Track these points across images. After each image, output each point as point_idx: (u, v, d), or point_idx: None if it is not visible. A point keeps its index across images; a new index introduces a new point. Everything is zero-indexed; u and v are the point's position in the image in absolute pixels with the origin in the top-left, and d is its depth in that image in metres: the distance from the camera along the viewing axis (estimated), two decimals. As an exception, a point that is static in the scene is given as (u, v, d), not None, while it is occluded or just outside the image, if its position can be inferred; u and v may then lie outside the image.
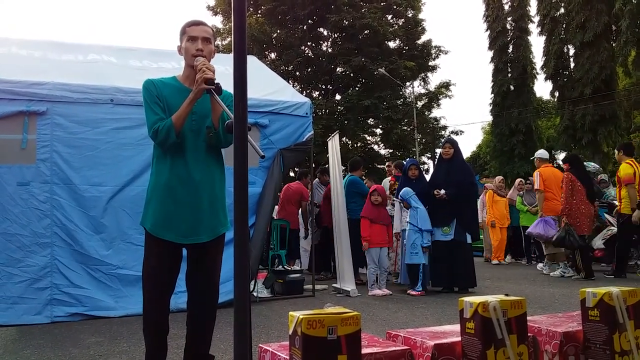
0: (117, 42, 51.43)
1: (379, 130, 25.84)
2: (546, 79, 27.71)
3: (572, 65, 26.71)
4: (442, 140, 7.06)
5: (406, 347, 1.92)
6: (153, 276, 2.58)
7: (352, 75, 24.76)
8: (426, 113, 26.61)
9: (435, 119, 26.97)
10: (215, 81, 2.43)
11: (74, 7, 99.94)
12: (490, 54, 30.47)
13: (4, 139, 4.92)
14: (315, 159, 13.97)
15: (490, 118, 31.48)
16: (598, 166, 10.71)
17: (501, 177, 11.48)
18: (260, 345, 1.95)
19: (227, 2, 24.20)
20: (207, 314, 2.67)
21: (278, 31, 24.19)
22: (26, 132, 4.95)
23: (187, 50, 2.61)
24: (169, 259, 2.60)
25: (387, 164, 8.51)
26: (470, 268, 6.39)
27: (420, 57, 25.38)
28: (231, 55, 1.46)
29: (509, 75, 29.74)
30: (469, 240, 6.39)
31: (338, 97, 25.35)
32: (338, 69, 24.92)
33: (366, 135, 25.86)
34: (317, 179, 8.56)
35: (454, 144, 6.64)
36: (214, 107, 2.53)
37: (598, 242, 8.44)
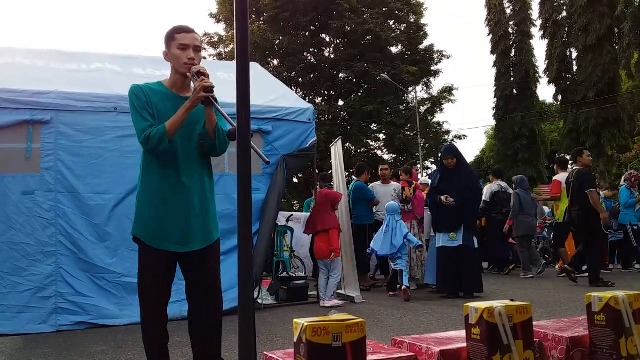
0: (121, 50, 51.68)
1: (382, 136, 25.78)
2: (549, 82, 27.71)
3: (575, 68, 26.71)
4: (442, 150, 7.01)
5: (412, 354, 1.91)
6: (149, 286, 2.56)
7: (354, 80, 24.77)
8: (429, 118, 26.57)
9: (439, 124, 26.91)
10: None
11: (77, 17, 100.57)
12: (493, 58, 30.48)
13: (9, 148, 4.94)
14: (319, 165, 13.99)
15: (493, 122, 31.49)
16: None
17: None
18: (265, 352, 1.94)
19: (229, 10, 24.26)
20: (214, 321, 2.64)
21: (280, 38, 24.22)
22: (30, 141, 4.97)
23: (179, 58, 2.57)
24: (164, 269, 2.58)
25: (380, 167, 8.41)
26: (478, 273, 6.48)
27: (423, 62, 25.36)
28: (234, 62, 1.46)
29: (512, 79, 29.73)
30: (476, 245, 6.48)
31: (341, 102, 25.34)
32: (341, 74, 24.92)
33: (369, 141, 25.79)
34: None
35: (454, 153, 6.60)
36: (209, 117, 2.51)
37: None
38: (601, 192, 9.49)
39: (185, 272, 2.66)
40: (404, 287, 6.28)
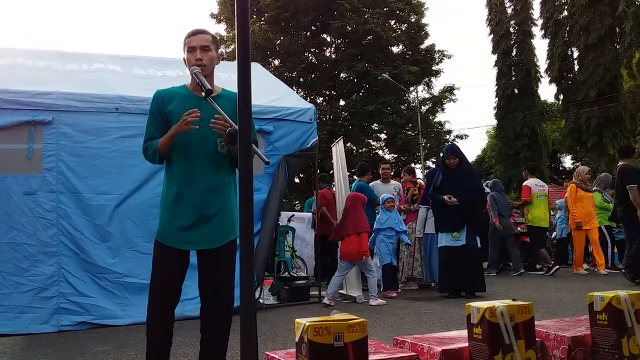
0: (122, 51, 51.71)
1: (383, 136, 25.77)
2: (550, 82, 27.67)
3: (577, 67, 26.67)
4: (444, 150, 7.02)
5: (413, 353, 1.91)
6: (159, 283, 2.59)
7: (355, 80, 24.76)
8: (430, 117, 26.54)
9: (440, 124, 26.88)
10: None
11: (77, 17, 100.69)
12: (494, 57, 30.42)
13: (10, 148, 4.95)
14: (320, 164, 13.97)
15: (494, 122, 31.44)
16: None
17: (587, 168, 9.42)
18: (267, 352, 1.95)
19: (230, 10, 24.27)
20: (222, 320, 2.64)
21: (281, 38, 24.22)
22: (32, 142, 4.98)
23: (189, 62, 2.66)
24: (176, 267, 2.60)
25: (382, 166, 8.35)
26: (480, 272, 6.46)
27: (424, 62, 25.34)
28: (235, 62, 1.46)
29: (513, 78, 29.67)
30: (478, 244, 6.51)
31: (342, 102, 25.33)
32: (342, 74, 24.91)
33: (371, 141, 25.79)
34: None
35: (456, 153, 6.58)
36: (234, 152, 2.57)
37: None
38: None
39: (199, 269, 2.68)
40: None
